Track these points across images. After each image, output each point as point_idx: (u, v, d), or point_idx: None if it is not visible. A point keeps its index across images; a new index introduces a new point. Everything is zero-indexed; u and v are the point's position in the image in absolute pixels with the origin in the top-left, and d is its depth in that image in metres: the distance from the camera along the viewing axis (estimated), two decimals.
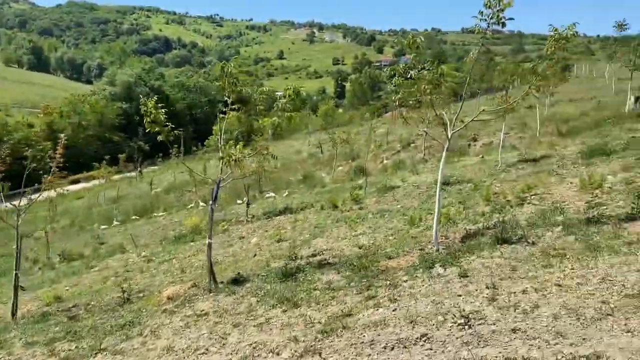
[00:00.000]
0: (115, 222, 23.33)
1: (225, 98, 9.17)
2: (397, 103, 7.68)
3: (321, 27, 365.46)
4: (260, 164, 16.21)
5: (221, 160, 8.31)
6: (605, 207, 8.22)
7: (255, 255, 11.49)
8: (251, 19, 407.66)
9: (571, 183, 10.75)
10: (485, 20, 7.10)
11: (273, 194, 22.05)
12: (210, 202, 8.47)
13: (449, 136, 7.88)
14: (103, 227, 23.04)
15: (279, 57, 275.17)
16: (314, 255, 9.68)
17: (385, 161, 24.83)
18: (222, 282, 8.67)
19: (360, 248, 9.47)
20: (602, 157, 12.42)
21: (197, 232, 15.93)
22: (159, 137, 8.44)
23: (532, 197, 10.33)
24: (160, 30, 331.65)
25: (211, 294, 8.02)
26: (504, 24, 7.02)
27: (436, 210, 7.85)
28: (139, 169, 48.13)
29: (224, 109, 9.15)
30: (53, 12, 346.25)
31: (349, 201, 14.69)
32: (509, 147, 19.43)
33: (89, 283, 12.06)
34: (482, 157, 18.68)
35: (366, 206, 13.90)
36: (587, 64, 63.80)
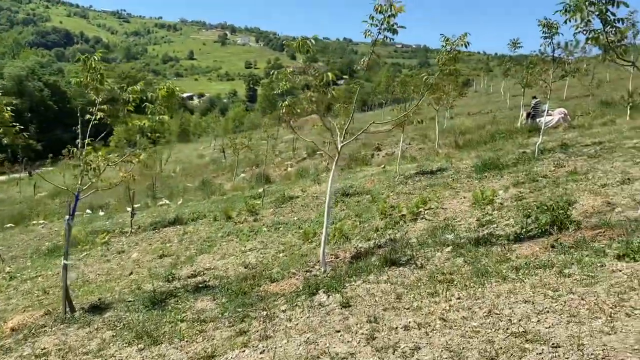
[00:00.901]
0: None
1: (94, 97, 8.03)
2: (283, 110, 6.99)
3: (234, 30, 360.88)
4: (130, 173, 14.94)
5: (80, 169, 7.17)
6: (495, 225, 8.03)
7: (131, 273, 10.30)
8: (160, 17, 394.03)
9: (464, 198, 10.64)
10: (377, 25, 6.60)
11: (167, 202, 20.67)
12: (67, 217, 7.27)
13: (339, 148, 7.31)
14: None
15: (189, 58, 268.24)
16: (193, 276, 8.74)
17: (289, 169, 24.22)
18: (81, 309, 7.49)
19: (246, 267, 8.67)
20: (494, 171, 12.54)
21: (74, 243, 14.30)
22: (5, 140, 7.14)
23: (426, 211, 10.07)
24: (61, 22, 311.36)
25: (62, 325, 6.83)
26: (395, 31, 6.56)
27: (324, 228, 7.24)
28: (28, 170, 44.04)
29: (91, 110, 8.00)
30: None
31: (244, 212, 13.84)
32: (409, 158, 19.54)
33: None
34: (384, 167, 18.58)
35: (262, 218, 13.13)
36: (485, 80, 67.54)
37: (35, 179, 32.74)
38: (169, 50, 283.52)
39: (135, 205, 21.27)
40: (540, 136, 13.59)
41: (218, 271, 8.80)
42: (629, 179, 9.01)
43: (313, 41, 6.87)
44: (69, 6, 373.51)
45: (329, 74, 6.34)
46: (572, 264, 5.46)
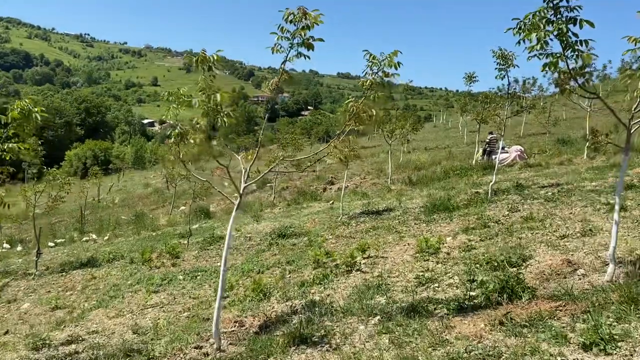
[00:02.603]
0: None
1: None
2: (171, 140, 5.52)
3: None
4: (55, 203, 13.22)
5: None
6: (437, 285, 6.67)
7: (7, 332, 8.47)
8: (125, 42, 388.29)
9: (408, 245, 9.30)
10: (288, 39, 5.27)
11: (95, 236, 18.70)
12: None
13: (241, 190, 5.86)
14: None
15: (153, 84, 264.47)
16: (69, 342, 7.02)
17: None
18: None
19: (135, 333, 7.02)
20: (444, 213, 11.31)
21: None
22: None
23: (364, 261, 8.67)
24: (21, 44, 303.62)
25: None
26: (310, 46, 5.24)
27: (217, 297, 5.70)
28: None
29: None
30: None
31: (165, 254, 12.15)
32: (360, 194, 18.25)
33: None
34: (332, 203, 17.20)
35: (182, 262, 11.48)
36: (445, 115, 67.93)
37: None
38: (133, 75, 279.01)
39: (59, 240, 19.29)
40: (494, 175, 12.48)
41: (101, 337, 7.11)
42: (590, 229, 7.84)
43: (215, 57, 5.47)
44: (30, 28, 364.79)
45: (218, 94, 4.92)
46: (525, 355, 4.09)
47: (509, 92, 12.56)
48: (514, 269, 6.57)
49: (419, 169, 22.14)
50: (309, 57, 5.47)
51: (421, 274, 7.23)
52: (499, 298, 5.41)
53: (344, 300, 6.58)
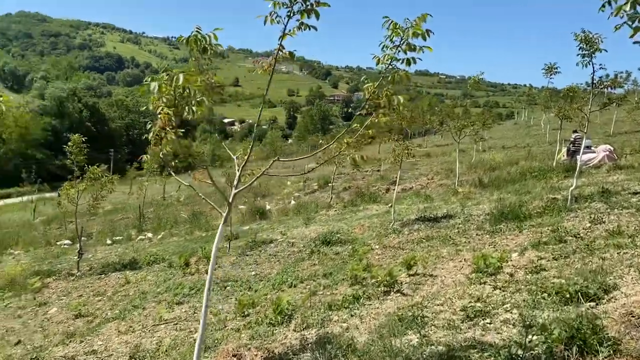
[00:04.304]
0: None
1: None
2: (150, 136, 4.49)
3: (279, 59, 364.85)
4: (96, 202, 12.85)
5: None
6: (488, 321, 5.24)
7: (18, 342, 7.95)
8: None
9: (465, 261, 7.83)
10: (286, 4, 4.09)
11: (150, 235, 18.48)
12: None
13: (231, 197, 4.75)
14: None
15: (234, 85, 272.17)
16: None
17: (292, 202, 21.69)
18: None
19: (131, 358, 6.14)
20: (513, 222, 9.65)
21: (11, 286, 12.10)
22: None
23: (408, 279, 7.34)
24: (114, 48, 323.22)
25: None
26: (315, 13, 4.03)
27: (199, 333, 4.60)
28: (58, 190, 43.24)
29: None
30: (1, 21, 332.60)
31: (203, 258, 11.38)
32: (424, 196, 16.68)
33: None
34: (390, 206, 15.79)
35: (216, 269, 10.62)
36: (526, 112, 63.75)
37: (35, 202, 31.48)
38: (216, 77, 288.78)
39: (117, 238, 19.25)
40: (575, 179, 10.57)
41: (97, 359, 6.30)
42: None
43: (212, 35, 4.41)
44: (122, 32, 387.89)
45: (181, 75, 3.82)
46: None
47: (594, 82, 10.62)
48: (592, 303, 5.03)
49: (492, 170, 20.15)
50: (314, 28, 4.26)
51: (472, 303, 5.80)
52: (566, 352, 3.94)
53: (368, 335, 5.31)
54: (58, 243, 19.68)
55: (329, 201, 19.09)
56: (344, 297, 6.94)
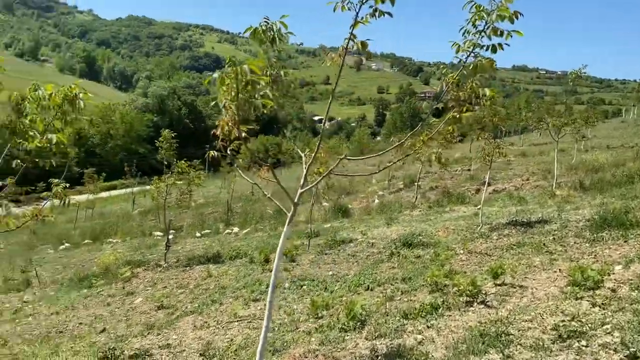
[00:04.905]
0: (62, 246, 20.58)
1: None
2: (217, 132, 4.33)
3: (369, 56, 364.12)
4: (184, 196, 13.21)
5: None
6: (584, 343, 4.61)
7: (103, 330, 8.29)
8: (301, 43, 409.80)
9: (560, 271, 7.09)
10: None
11: (236, 229, 18.88)
12: None
13: (296, 197, 4.50)
14: (50, 250, 20.32)
15: (325, 83, 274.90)
16: (136, 356, 6.37)
17: (376, 201, 21.26)
18: None
19: (201, 355, 6.12)
20: (617, 230, 8.66)
21: (105, 274, 12.81)
22: None
23: (494, 289, 6.75)
24: (213, 48, 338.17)
25: None
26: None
27: (261, 336, 4.41)
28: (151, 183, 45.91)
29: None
30: (113, 25, 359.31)
31: (283, 256, 11.33)
32: (517, 198, 15.62)
33: None
34: (479, 208, 14.94)
35: (295, 267, 10.52)
36: (636, 110, 58.47)
37: (135, 194, 33.39)
38: (307, 75, 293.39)
39: (206, 231, 19.88)
40: None
41: (168, 355, 6.36)
42: None
43: (280, 23, 4.21)
44: (220, 33, 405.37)
45: (246, 65, 3.59)
46: None
47: None
48: None
49: (595, 171, 18.50)
50: (390, 14, 3.91)
51: (565, 321, 5.17)
52: None
53: (444, 351, 4.88)
54: (152, 234, 20.70)
55: (414, 201, 18.47)
56: (421, 305, 6.51)
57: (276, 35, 4.25)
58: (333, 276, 9.39)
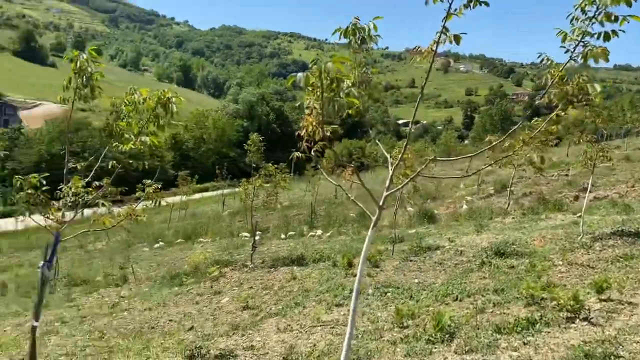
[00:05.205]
0: (157, 245, 21.70)
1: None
2: (302, 132, 4.22)
3: (457, 57, 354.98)
4: (270, 198, 13.37)
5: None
6: None
7: (191, 328, 8.51)
8: (387, 47, 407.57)
9: None
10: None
11: (319, 232, 18.92)
12: (42, 262, 5.53)
13: (381, 200, 4.29)
14: (145, 249, 21.51)
15: (410, 86, 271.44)
16: (221, 356, 6.44)
17: (464, 206, 20.45)
18: None
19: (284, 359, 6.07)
20: None
21: (195, 273, 13.26)
22: None
23: (599, 305, 6.15)
24: (300, 55, 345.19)
25: None
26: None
27: (345, 344, 4.23)
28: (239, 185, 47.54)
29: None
30: (207, 35, 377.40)
31: (366, 261, 11.13)
32: (621, 205, 14.36)
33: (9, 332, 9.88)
34: (579, 216, 13.89)
35: (378, 272, 10.28)
36: None
37: (225, 196, 34.54)
38: (391, 79, 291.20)
39: (291, 233, 20.12)
40: None
41: (253, 355, 6.37)
42: None
43: (372, 25, 4.06)
44: (307, 40, 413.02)
45: (330, 63, 3.44)
46: None
47: None
48: None
49: None
50: (486, 4, 3.63)
51: None
52: None
53: None
54: (240, 235, 21.26)
55: (506, 207, 17.54)
56: (516, 319, 6.06)
57: (366, 36, 4.09)
58: (419, 284, 9.05)
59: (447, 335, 5.90)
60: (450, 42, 3.77)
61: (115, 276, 14.99)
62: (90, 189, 4.98)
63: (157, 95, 5.03)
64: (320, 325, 7.35)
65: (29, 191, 4.73)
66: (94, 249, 24.16)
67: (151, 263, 16.91)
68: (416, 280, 9.28)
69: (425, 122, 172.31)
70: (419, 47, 3.94)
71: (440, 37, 3.74)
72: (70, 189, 5.00)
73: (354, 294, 4.24)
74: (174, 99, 5.07)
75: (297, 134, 4.32)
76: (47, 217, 4.94)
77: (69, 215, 5.16)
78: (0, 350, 8.49)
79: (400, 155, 4.27)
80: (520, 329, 5.72)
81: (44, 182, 4.87)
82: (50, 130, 60.17)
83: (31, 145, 59.39)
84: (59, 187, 5.06)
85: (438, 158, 4.79)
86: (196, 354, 6.45)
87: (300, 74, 3.57)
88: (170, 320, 9.26)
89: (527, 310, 6.54)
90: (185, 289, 11.90)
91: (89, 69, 4.84)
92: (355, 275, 10.20)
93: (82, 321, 10.28)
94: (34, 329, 5.47)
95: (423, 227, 16.46)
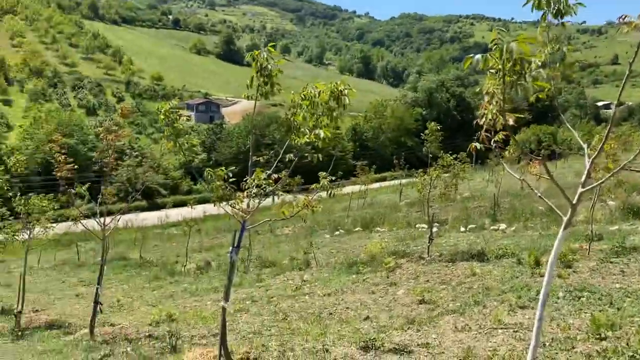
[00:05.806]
0: (337, 232, 22.54)
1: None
2: (485, 120, 3.80)
3: None
4: (449, 189, 12.86)
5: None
6: None
7: (367, 318, 8.58)
8: (584, 22, 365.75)
9: None
10: None
11: (504, 226, 17.77)
12: (231, 248, 6.00)
13: (575, 198, 3.70)
14: (326, 235, 22.52)
15: (613, 63, 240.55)
16: (396, 351, 6.35)
17: None
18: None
19: None
20: None
21: (371, 262, 13.44)
22: None
23: None
24: (483, 37, 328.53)
25: None
26: None
27: (531, 348, 3.80)
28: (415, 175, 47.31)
29: None
30: (387, 25, 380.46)
31: (560, 259, 10.10)
32: None
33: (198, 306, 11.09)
34: None
35: (571, 274, 9.22)
36: None
37: (403, 185, 34.45)
38: (589, 56, 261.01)
39: (471, 226, 19.28)
40: None
41: (428, 354, 6.16)
42: None
43: None
44: (491, 21, 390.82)
45: (512, 43, 3.01)
46: None
47: None
48: None
49: None
50: None
51: None
52: None
53: None
54: (417, 226, 21.01)
55: None
56: None
57: (563, 5, 3.58)
58: (621, 290, 7.90)
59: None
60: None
61: (299, 260, 15.90)
62: (270, 181, 5.24)
63: (330, 88, 5.07)
64: (502, 328, 6.82)
65: (218, 183, 5.15)
66: (281, 234, 26.10)
67: (331, 249, 17.61)
68: (617, 285, 8.12)
69: (630, 103, 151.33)
70: (625, 16, 3.31)
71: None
72: (254, 180, 5.32)
73: (541, 297, 3.79)
74: (346, 91, 5.06)
75: (475, 122, 3.98)
76: (233, 207, 5.34)
77: (252, 204, 5.51)
78: (202, 323, 9.58)
79: (601, 145, 3.65)
80: None
81: (231, 175, 5.25)
82: (246, 125, 66.55)
83: (230, 138, 66.76)
84: (244, 179, 5.42)
85: None
86: (370, 346, 6.47)
87: (478, 56, 3.24)
88: (347, 308, 9.47)
89: None
90: (362, 277, 12.10)
91: (269, 67, 5.07)
92: (542, 276, 9.32)
93: (269, 301, 11.10)
94: (224, 309, 5.97)
95: (627, 223, 14.43)
